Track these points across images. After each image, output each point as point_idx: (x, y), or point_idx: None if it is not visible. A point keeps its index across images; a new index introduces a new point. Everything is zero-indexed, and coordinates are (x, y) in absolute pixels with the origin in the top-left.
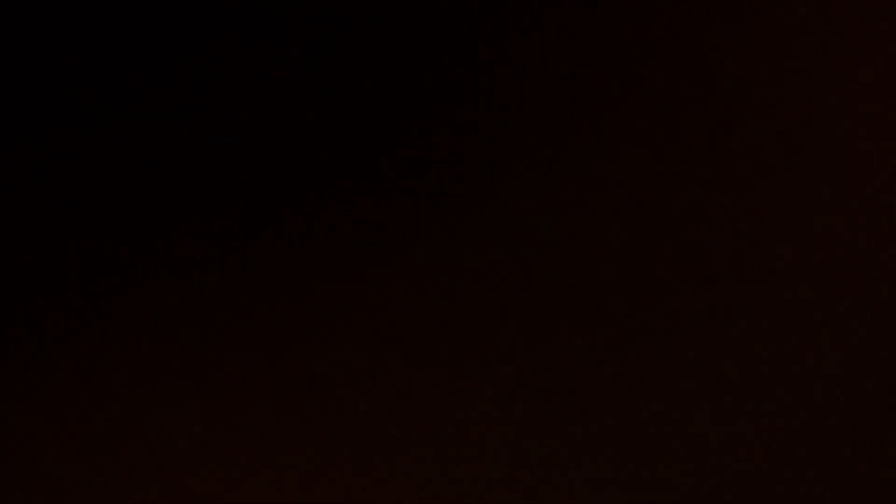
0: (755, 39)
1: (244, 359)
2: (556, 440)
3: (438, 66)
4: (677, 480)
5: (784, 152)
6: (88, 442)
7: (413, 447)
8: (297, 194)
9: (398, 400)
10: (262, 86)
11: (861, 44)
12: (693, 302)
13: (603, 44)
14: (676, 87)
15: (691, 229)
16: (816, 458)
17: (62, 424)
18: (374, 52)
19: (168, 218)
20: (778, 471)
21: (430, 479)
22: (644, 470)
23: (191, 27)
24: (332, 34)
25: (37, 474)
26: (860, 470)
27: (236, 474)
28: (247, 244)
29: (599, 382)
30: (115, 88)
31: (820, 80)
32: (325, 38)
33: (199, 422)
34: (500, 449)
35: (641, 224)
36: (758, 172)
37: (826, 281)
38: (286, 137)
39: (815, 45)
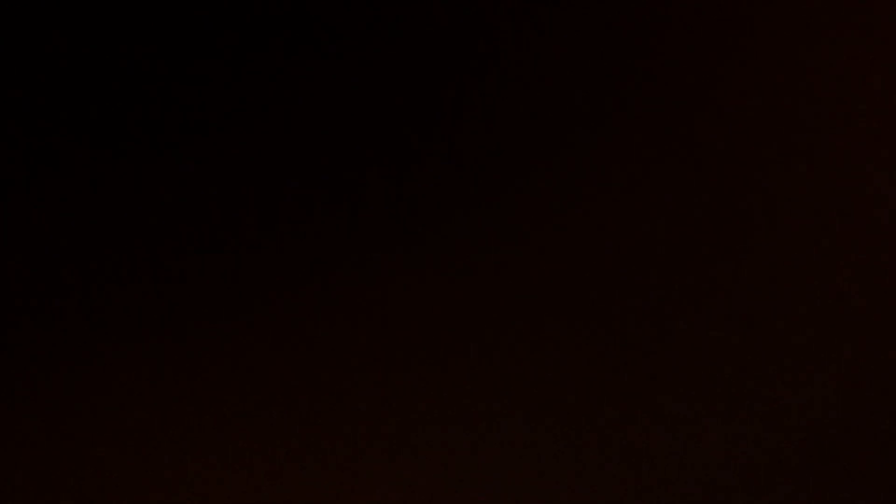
0: (755, 42)
1: (241, 359)
2: (555, 440)
3: (437, 67)
4: (674, 480)
5: (784, 153)
6: (85, 441)
7: (410, 447)
8: (294, 195)
9: (395, 400)
10: (262, 86)
11: (861, 44)
12: (693, 302)
13: (602, 44)
14: (676, 88)
15: (691, 230)
16: (815, 459)
17: (60, 424)
18: (373, 52)
19: (165, 218)
20: (776, 471)
21: (426, 479)
22: (640, 471)
23: (190, 27)
24: (329, 34)
25: (36, 474)
26: (860, 470)
27: (233, 474)
28: (245, 244)
29: (598, 382)
30: (114, 88)
31: (820, 81)
32: (323, 38)
33: (197, 421)
34: (497, 448)
35: (640, 225)
36: (758, 173)
37: (826, 281)
38: (283, 138)
39: (815, 46)
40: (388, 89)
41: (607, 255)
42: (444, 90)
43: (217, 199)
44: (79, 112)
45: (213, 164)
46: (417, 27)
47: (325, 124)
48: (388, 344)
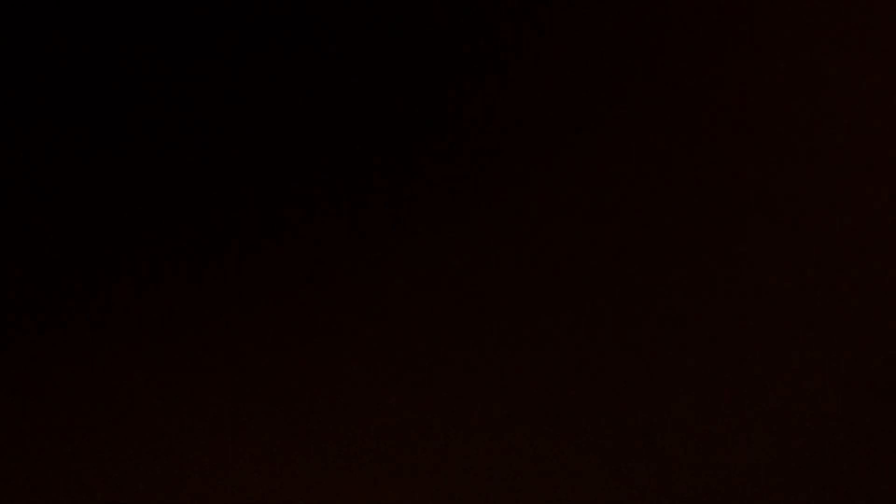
0: (756, 41)
1: (241, 359)
2: (555, 440)
3: (437, 67)
4: (674, 481)
5: (784, 153)
6: (86, 441)
7: (410, 448)
8: (294, 195)
9: (395, 400)
10: (262, 86)
11: (861, 44)
12: (693, 302)
13: (602, 44)
14: (676, 88)
15: (691, 230)
16: (815, 459)
17: (60, 423)
18: (373, 52)
19: (165, 218)
20: (776, 471)
21: (427, 479)
22: (640, 471)
23: (190, 27)
24: (329, 34)
25: (36, 474)
26: (860, 470)
27: (234, 474)
28: (245, 244)
29: (598, 382)
30: (114, 88)
31: (820, 81)
32: (323, 38)
33: (197, 421)
34: (497, 449)
35: (641, 225)
36: (758, 173)
37: (825, 281)
38: (284, 138)
39: (815, 46)
40: (389, 89)
41: (608, 255)
42: (444, 90)
43: (217, 199)
44: (79, 112)
45: (213, 164)
46: (417, 27)
47: (326, 124)
48: (388, 344)
